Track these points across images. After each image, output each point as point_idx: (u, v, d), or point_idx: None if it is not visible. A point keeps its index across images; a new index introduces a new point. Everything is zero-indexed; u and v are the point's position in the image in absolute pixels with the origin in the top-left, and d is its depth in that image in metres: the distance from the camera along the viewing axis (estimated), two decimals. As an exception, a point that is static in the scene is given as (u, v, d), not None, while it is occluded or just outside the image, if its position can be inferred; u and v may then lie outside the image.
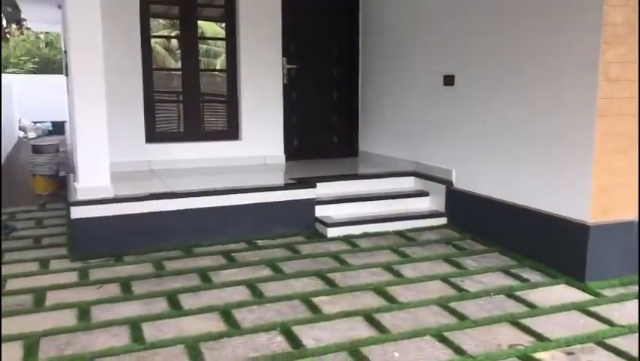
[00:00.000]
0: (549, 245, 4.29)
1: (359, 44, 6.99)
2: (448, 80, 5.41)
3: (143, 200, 4.69)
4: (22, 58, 19.48)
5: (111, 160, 4.71)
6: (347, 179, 5.78)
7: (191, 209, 4.80)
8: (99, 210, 4.51)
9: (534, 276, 4.14)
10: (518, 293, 3.81)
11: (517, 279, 4.08)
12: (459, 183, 5.35)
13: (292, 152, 6.80)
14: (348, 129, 7.16)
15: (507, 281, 4.03)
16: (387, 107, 6.51)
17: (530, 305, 3.62)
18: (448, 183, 5.43)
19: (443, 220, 5.42)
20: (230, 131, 6.59)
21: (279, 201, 5.11)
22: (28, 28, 19.49)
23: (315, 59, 6.95)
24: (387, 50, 6.47)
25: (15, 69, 18.80)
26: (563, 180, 4.19)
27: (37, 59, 19.64)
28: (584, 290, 3.87)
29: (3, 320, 3.32)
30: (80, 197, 4.50)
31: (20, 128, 14.15)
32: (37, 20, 14.27)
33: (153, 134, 6.22)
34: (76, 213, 4.47)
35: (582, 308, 3.57)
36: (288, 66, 6.72)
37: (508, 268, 4.28)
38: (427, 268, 4.30)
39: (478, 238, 4.98)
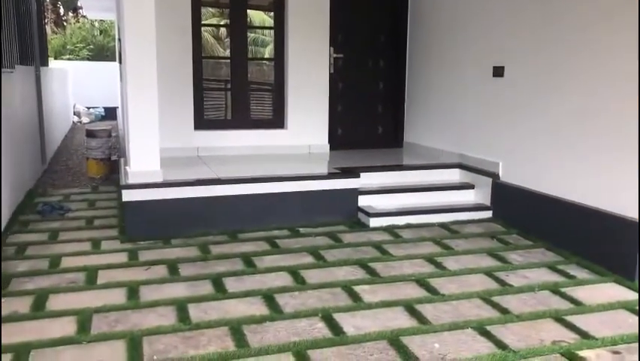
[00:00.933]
0: (598, 242, 4.19)
1: (407, 34, 6.93)
2: (498, 72, 5.31)
3: (190, 185, 4.81)
4: (78, 45, 20.10)
5: (161, 146, 4.83)
6: (391, 170, 5.77)
7: (237, 195, 4.89)
8: (149, 194, 4.65)
9: (581, 273, 4.05)
10: (564, 290, 3.74)
11: (563, 275, 4.00)
12: (505, 177, 5.27)
13: (337, 141, 6.83)
14: (393, 120, 7.13)
15: (552, 277, 3.96)
16: (434, 98, 6.45)
17: (576, 302, 3.55)
18: (494, 176, 5.35)
19: (488, 214, 5.35)
20: (276, 120, 6.66)
21: (323, 190, 5.15)
22: (84, 16, 20.10)
23: (362, 49, 6.94)
24: (435, 41, 6.40)
25: (71, 56, 19.43)
26: (616, 176, 4.08)
27: (92, 47, 20.23)
28: (633, 289, 3.77)
29: (59, 295, 3.49)
30: (131, 180, 4.65)
31: (75, 113, 14.65)
32: (92, 8, 14.67)
33: (201, 122, 6.35)
34: (128, 196, 4.62)
35: (630, 308, 3.48)
36: (335, 55, 6.73)
37: (554, 265, 4.20)
38: (471, 261, 4.26)
39: (523, 232, 4.90)
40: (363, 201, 5.28)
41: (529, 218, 4.92)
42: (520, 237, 4.85)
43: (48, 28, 21.18)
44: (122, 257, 4.23)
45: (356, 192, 5.26)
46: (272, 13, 6.73)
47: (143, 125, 4.66)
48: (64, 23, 23.18)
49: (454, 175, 5.83)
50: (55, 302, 3.40)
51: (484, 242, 4.72)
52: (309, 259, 4.23)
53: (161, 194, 4.68)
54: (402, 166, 6.02)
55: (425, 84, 6.63)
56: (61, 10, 23.82)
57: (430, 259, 4.26)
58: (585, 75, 4.33)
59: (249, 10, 6.71)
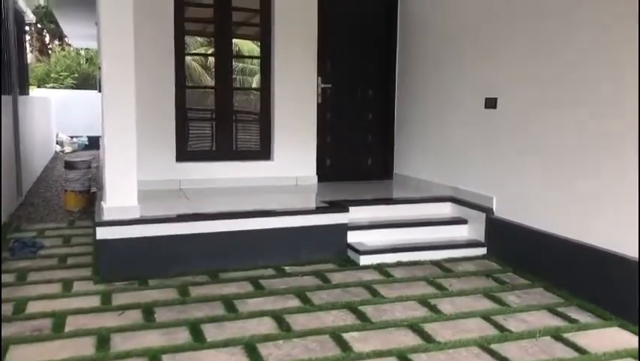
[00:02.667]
0: (600, 283, 3.97)
1: (396, 64, 6.79)
2: (490, 103, 5.16)
3: (170, 222, 4.55)
4: (62, 73, 19.88)
5: (140, 178, 4.59)
6: (381, 203, 5.56)
7: (219, 232, 4.64)
8: (125, 232, 4.38)
9: (583, 316, 3.82)
10: (566, 335, 3.51)
11: (564, 319, 3.77)
12: (500, 212, 5.06)
13: (325, 173, 6.61)
14: (383, 151, 6.95)
15: (553, 321, 3.73)
16: (424, 129, 6.27)
17: (580, 350, 3.32)
18: (488, 211, 5.15)
19: (482, 250, 5.13)
20: (263, 151, 6.44)
21: (310, 226, 4.91)
22: (69, 45, 19.94)
23: (351, 79, 6.78)
24: (425, 70, 6.26)
25: (55, 84, 19.19)
26: (619, 213, 3.89)
27: (76, 75, 20.03)
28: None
29: (21, 347, 3.19)
30: (107, 217, 4.39)
31: (57, 143, 14.35)
32: (77, 37, 14.52)
33: (184, 153, 6.12)
34: (102, 233, 4.35)
35: (638, 356, 3.25)
36: (323, 85, 6.57)
37: (555, 307, 3.97)
38: (466, 303, 4.02)
39: (520, 271, 4.68)
40: (352, 237, 5.05)
41: (525, 255, 4.70)
42: (517, 275, 4.63)
43: (32, 56, 21.00)
44: (94, 301, 3.94)
45: (345, 228, 5.03)
46: (259, 42, 6.56)
47: (120, 157, 4.42)
48: (50, 51, 22.98)
49: (446, 209, 5.62)
50: (15, 355, 3.10)
51: (479, 282, 4.48)
52: (295, 302, 3.96)
53: (138, 231, 4.41)
54: (392, 200, 5.81)
55: (415, 115, 6.46)
56: (47, 39, 23.66)
57: (424, 301, 4.02)
58: (579, 110, 4.18)
59: (237, 40, 6.54)
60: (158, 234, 4.47)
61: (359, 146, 6.90)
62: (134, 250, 4.40)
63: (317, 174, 6.53)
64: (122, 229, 4.37)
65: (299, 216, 4.89)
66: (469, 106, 5.48)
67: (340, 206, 5.14)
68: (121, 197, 4.42)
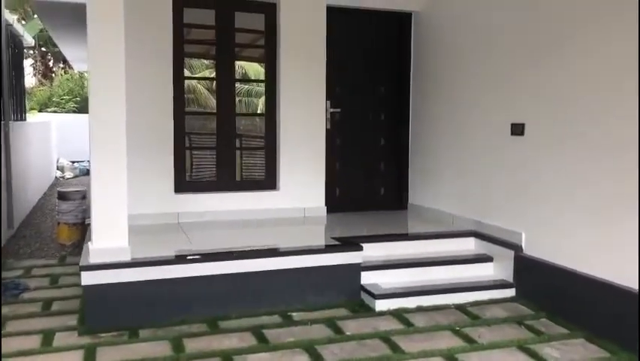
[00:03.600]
0: (654, 336, 3.47)
1: (410, 88, 6.37)
2: (517, 130, 4.70)
3: (164, 264, 4.09)
4: (65, 97, 19.60)
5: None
6: (397, 239, 5.08)
7: (219, 275, 4.18)
8: (114, 276, 3.92)
9: (637, 377, 3.32)
10: (621, 402, 3.00)
11: (615, 380, 3.27)
12: (530, 249, 4.58)
13: (334, 203, 6.15)
14: (396, 179, 6.49)
15: (603, 384, 3.23)
16: (442, 157, 5.82)
17: (641, 423, 2.81)
18: (516, 248, 4.66)
19: (511, 292, 4.64)
20: (268, 180, 6.00)
21: (319, 266, 4.44)
22: (72, 68, 19.71)
23: (362, 102, 6.36)
24: (442, 93, 5.82)
25: (57, 108, 18.91)
26: (672, 257, 3.40)
27: (78, 98, 19.76)
28: None
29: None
30: (93, 260, 3.93)
31: (58, 168, 13.98)
32: (79, 60, 14.21)
33: (183, 183, 5.68)
34: (88, 279, 3.89)
35: None
36: (332, 110, 6.14)
37: (601, 364, 3.47)
38: (499, 359, 3.52)
39: (555, 316, 4.17)
40: (366, 278, 4.57)
41: (561, 299, 4.20)
42: (552, 322, 4.12)
43: (35, 80, 20.78)
44: (76, 357, 3.47)
45: (358, 268, 4.55)
46: (264, 64, 6.16)
47: (107, 192, 3.96)
48: (53, 75, 22.78)
49: (468, 245, 5.14)
50: None
51: (510, 330, 3.98)
52: (303, 359, 3.47)
53: (128, 276, 3.95)
54: (409, 235, 5.33)
55: (431, 141, 6.01)
56: (51, 62, 23.49)
57: (450, 357, 3.52)
58: (619, 132, 3.71)
59: (240, 62, 6.15)
60: (151, 278, 4.02)
61: (371, 174, 6.45)
62: (124, 296, 3.94)
63: (326, 204, 6.07)
64: (111, 274, 3.91)
65: (307, 256, 4.42)
66: (492, 133, 5.03)
67: (353, 244, 4.67)
68: (109, 237, 3.97)
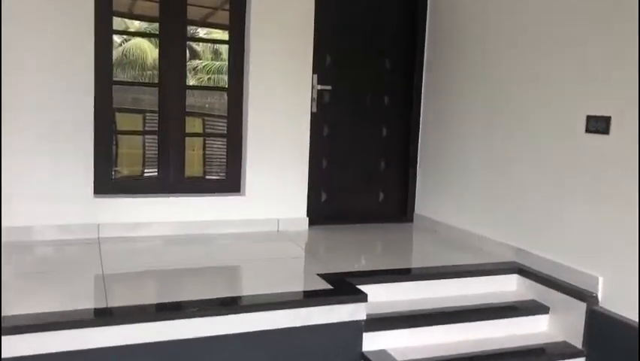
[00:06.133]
0: None
1: (424, 57, 4.80)
2: (597, 125, 3.19)
3: (53, 329, 2.46)
4: None
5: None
6: (410, 277, 3.54)
7: (146, 344, 2.58)
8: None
9: None
10: None
11: None
12: (612, 302, 3.11)
13: (319, 212, 4.60)
14: (400, 182, 4.94)
15: None
16: (468, 154, 4.28)
17: None
18: (589, 299, 3.18)
19: (581, 364, 3.17)
20: (230, 181, 4.39)
21: (300, 327, 2.87)
22: None
23: (360, 79, 4.76)
24: (471, 66, 4.26)
25: None
26: None
27: None
28: None
29: None
30: None
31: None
32: None
33: (107, 182, 4.03)
34: None
35: None
36: (320, 87, 4.53)
37: None
38: None
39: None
40: (370, 341, 3.02)
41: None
42: None
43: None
44: None
45: (360, 328, 2.99)
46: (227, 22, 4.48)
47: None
48: None
49: (509, 285, 3.64)
50: None
51: None
52: None
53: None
54: (429, 271, 3.70)
55: (451, 132, 4.47)
56: None
57: None
58: None
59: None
60: (32, 352, 2.40)
61: (368, 174, 4.88)
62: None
63: (308, 214, 4.50)
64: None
65: (282, 312, 2.85)
66: (553, 127, 3.51)
67: (350, 288, 3.12)
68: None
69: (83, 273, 3.18)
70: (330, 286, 3.12)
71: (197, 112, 4.57)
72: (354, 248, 4.05)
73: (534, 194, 3.64)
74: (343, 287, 3.13)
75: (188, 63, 4.44)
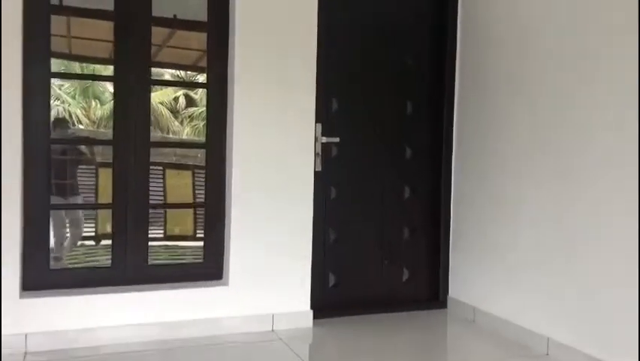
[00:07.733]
0: None
1: (454, 97, 3.83)
2: None
3: None
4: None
5: None
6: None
7: None
8: None
9: None
10: None
11: None
12: None
13: (326, 301, 3.56)
14: (429, 254, 3.90)
15: None
16: (523, 221, 3.24)
17: None
18: None
19: None
20: (207, 266, 3.34)
21: None
22: None
23: (374, 127, 3.77)
24: (523, 106, 3.27)
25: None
26: None
27: None
28: None
29: None
30: None
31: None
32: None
33: (41, 274, 2.99)
34: None
35: None
36: (326, 140, 3.54)
37: None
38: None
39: None
40: None
41: None
42: None
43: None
44: None
45: None
46: (204, 61, 3.51)
47: None
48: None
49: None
50: None
51: None
52: None
53: None
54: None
55: (493, 191, 3.45)
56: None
57: None
58: None
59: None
60: None
61: (387, 246, 3.83)
62: None
63: (312, 305, 3.45)
64: None
65: None
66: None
67: None
68: None
69: None
70: None
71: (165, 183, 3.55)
72: (376, 357, 2.98)
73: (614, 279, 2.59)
74: None
75: (184, 111, 3.46)
